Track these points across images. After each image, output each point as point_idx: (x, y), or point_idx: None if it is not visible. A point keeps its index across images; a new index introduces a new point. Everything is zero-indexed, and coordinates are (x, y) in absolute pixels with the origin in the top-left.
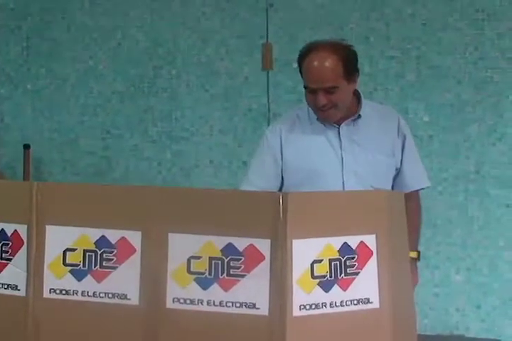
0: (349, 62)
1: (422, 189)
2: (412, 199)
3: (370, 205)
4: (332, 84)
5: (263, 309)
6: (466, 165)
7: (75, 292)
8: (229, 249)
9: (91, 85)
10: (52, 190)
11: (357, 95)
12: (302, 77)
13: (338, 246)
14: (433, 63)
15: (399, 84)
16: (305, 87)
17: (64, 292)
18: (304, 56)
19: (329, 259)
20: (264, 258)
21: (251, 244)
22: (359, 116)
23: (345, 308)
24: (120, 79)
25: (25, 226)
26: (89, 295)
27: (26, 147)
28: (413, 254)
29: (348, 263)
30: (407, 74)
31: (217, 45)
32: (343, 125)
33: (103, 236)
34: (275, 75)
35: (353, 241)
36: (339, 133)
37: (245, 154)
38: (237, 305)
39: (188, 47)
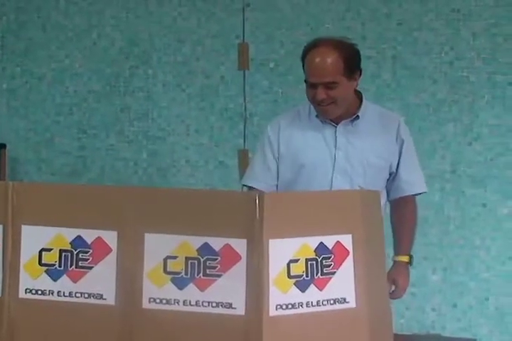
0: (350, 60)
1: (419, 194)
2: (408, 204)
3: (346, 205)
4: (331, 80)
5: (239, 309)
6: (442, 165)
7: (51, 292)
8: (205, 249)
9: (67, 84)
10: (27, 189)
11: (359, 96)
12: (304, 72)
13: (314, 246)
14: (409, 63)
15: (375, 83)
16: (306, 82)
17: (40, 292)
18: (307, 51)
19: (305, 259)
20: (241, 258)
21: (227, 244)
22: (357, 117)
23: (322, 308)
24: (96, 79)
25: (1, 226)
26: (65, 295)
27: (2, 146)
28: (405, 258)
29: (324, 263)
30: (383, 74)
31: (193, 44)
32: (340, 125)
33: (79, 236)
34: (251, 75)
35: (329, 241)
36: (336, 132)
37: (222, 154)
38: (214, 304)
39: (164, 47)
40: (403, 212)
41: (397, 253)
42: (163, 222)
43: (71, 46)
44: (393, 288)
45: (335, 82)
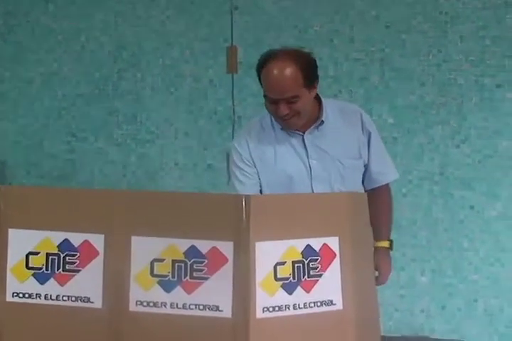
0: (309, 71)
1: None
2: (382, 192)
3: (333, 207)
4: (293, 94)
5: (226, 311)
6: (431, 167)
7: (38, 295)
8: (192, 252)
9: (55, 88)
10: (15, 193)
11: (318, 99)
12: (261, 85)
13: (301, 249)
14: (397, 65)
15: (363, 86)
16: (265, 96)
17: (27, 295)
18: (262, 65)
19: (292, 261)
20: (228, 260)
21: (214, 247)
22: (322, 122)
23: (309, 310)
24: (85, 82)
25: None
26: (52, 299)
27: None
28: (385, 244)
29: (311, 266)
30: (371, 76)
31: (181, 47)
32: (307, 133)
33: (66, 240)
34: (240, 78)
35: (316, 244)
36: (304, 141)
37: (210, 157)
38: (201, 307)
39: (153, 50)
40: (379, 200)
41: (377, 239)
42: (151, 225)
43: (60, 50)
44: (376, 274)
45: (296, 95)
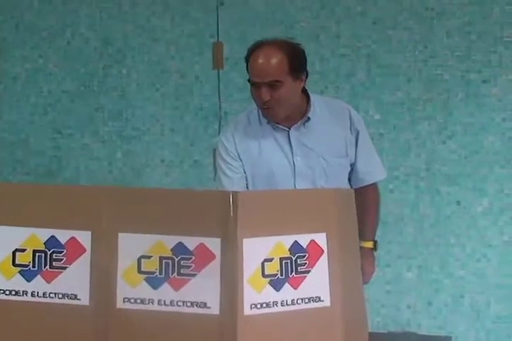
0: (295, 59)
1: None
2: (370, 192)
3: (320, 204)
4: (275, 79)
5: (214, 308)
6: (417, 163)
7: (25, 293)
8: (179, 249)
9: (41, 84)
10: (1, 190)
11: (306, 96)
12: (248, 72)
13: (288, 245)
14: (383, 61)
15: (349, 82)
16: (249, 82)
17: (13, 293)
18: (250, 53)
19: (280, 258)
20: (215, 257)
21: (201, 243)
22: (308, 119)
23: (297, 307)
24: (70, 79)
25: None
26: (38, 296)
27: None
28: (369, 244)
29: (298, 262)
30: (358, 72)
31: (167, 43)
32: (292, 129)
33: (53, 237)
34: (226, 74)
35: (304, 240)
36: (289, 137)
37: (197, 153)
38: (188, 304)
39: (139, 46)
40: (365, 200)
41: (361, 239)
42: (138, 222)
43: (45, 46)
44: None
45: (279, 80)
